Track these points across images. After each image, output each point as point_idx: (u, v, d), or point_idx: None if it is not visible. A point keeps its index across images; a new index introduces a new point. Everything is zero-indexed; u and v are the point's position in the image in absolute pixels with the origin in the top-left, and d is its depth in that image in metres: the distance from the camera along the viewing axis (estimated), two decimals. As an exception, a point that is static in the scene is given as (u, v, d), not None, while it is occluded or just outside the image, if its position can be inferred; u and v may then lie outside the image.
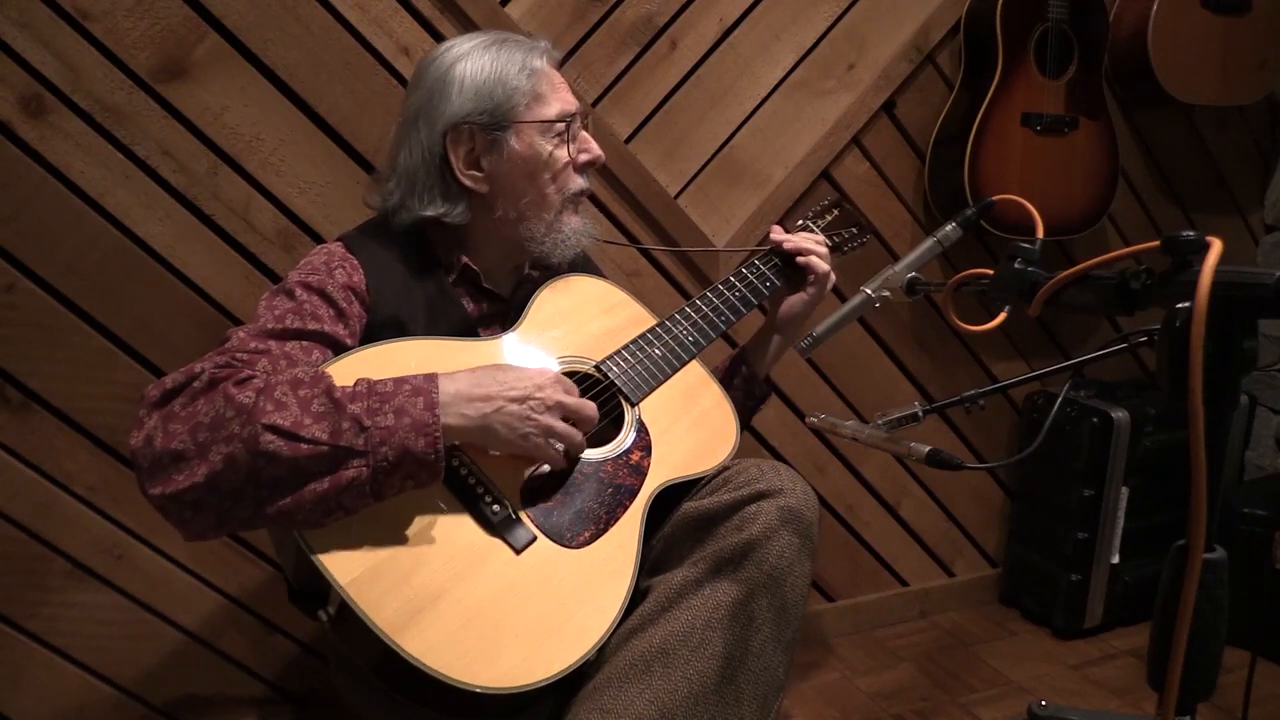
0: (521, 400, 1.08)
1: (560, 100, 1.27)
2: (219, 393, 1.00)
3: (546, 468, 1.16)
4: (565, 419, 1.12)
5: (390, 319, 1.21)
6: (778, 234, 1.46)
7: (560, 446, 1.12)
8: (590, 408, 1.14)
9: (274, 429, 0.96)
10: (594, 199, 1.78)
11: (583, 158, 1.31)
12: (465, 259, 1.29)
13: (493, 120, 1.22)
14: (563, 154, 1.27)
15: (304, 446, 0.97)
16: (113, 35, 1.47)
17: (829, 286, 1.45)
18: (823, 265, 1.42)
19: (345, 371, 1.08)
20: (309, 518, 0.98)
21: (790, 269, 1.44)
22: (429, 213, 1.24)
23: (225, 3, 1.51)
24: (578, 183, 1.30)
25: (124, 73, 1.48)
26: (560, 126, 1.26)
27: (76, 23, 1.45)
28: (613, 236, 1.81)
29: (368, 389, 1.02)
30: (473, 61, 1.22)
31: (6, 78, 1.43)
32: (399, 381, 1.03)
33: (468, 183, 1.24)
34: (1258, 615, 1.98)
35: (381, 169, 1.31)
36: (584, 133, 1.31)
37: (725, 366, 1.50)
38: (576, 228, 1.31)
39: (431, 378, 1.05)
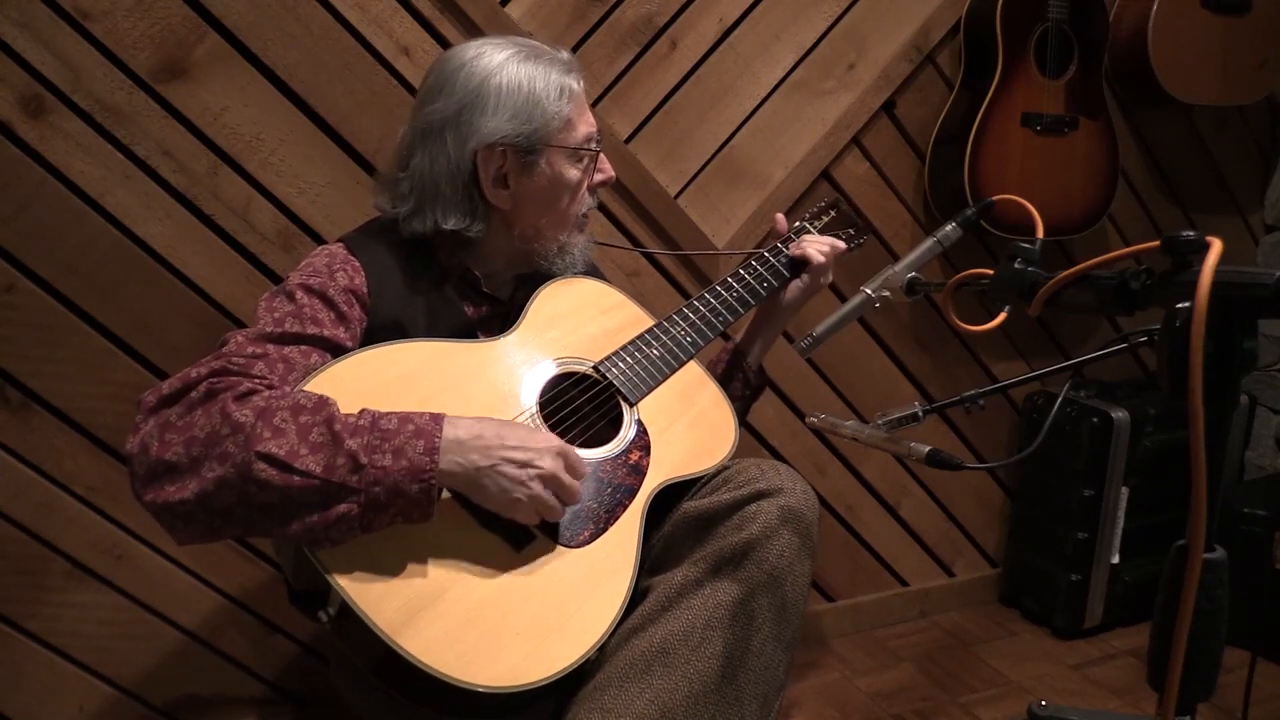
0: (522, 465, 1.05)
1: (586, 123, 1.27)
2: (217, 406, 0.99)
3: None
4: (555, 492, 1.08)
5: (391, 321, 1.21)
6: (781, 223, 1.49)
7: (537, 516, 1.09)
8: (579, 492, 1.10)
9: (268, 458, 0.96)
10: (594, 199, 1.78)
11: (597, 178, 1.32)
12: (468, 264, 1.29)
13: (527, 144, 1.22)
14: (583, 176, 1.28)
15: (296, 479, 0.96)
16: (113, 35, 1.47)
17: (825, 278, 1.45)
18: (820, 256, 1.43)
19: (345, 373, 1.08)
20: (296, 543, 0.99)
21: (790, 262, 1.45)
22: (448, 226, 1.23)
23: (225, 3, 1.51)
24: (589, 202, 1.33)
25: (124, 73, 1.48)
26: (586, 151, 1.27)
27: (76, 23, 1.45)
28: (613, 236, 1.81)
29: (370, 423, 1.00)
30: (508, 77, 1.20)
31: (6, 78, 1.43)
32: (404, 419, 1.02)
33: (493, 201, 1.24)
34: (1258, 615, 1.98)
35: (387, 170, 1.30)
36: (600, 153, 1.32)
37: (724, 360, 1.51)
38: (583, 245, 1.34)
39: (437, 419, 1.03)
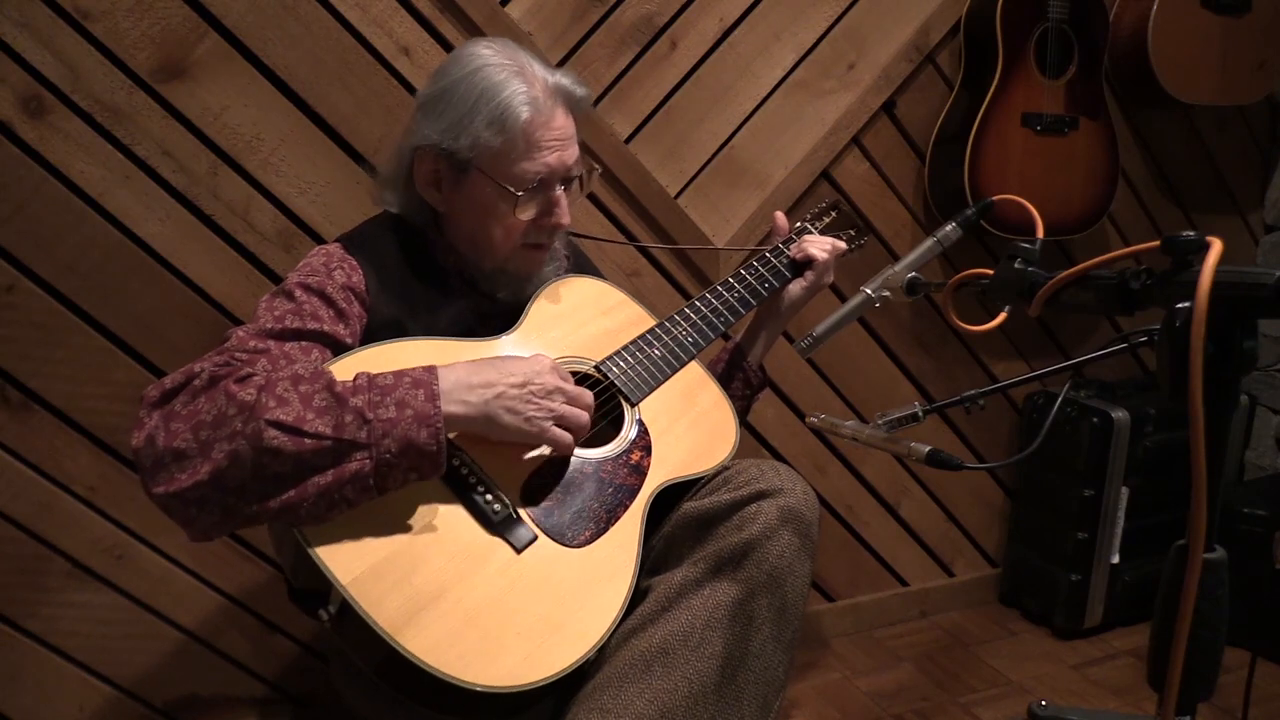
0: (522, 385, 1.08)
1: (534, 161, 1.19)
2: (220, 390, 1.00)
3: (546, 453, 1.15)
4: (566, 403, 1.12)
5: (390, 319, 1.21)
6: (781, 222, 1.49)
7: (565, 432, 1.11)
8: (587, 394, 1.14)
9: (277, 424, 0.96)
10: (594, 199, 1.78)
11: (542, 220, 1.25)
12: (464, 263, 1.29)
13: (454, 159, 1.20)
14: (512, 212, 1.22)
15: (308, 441, 0.97)
16: (113, 35, 1.47)
17: (827, 279, 1.45)
18: (822, 254, 1.43)
19: (346, 371, 1.08)
20: (312, 511, 0.98)
21: (792, 262, 1.45)
22: (394, 209, 1.28)
23: (225, 3, 1.51)
24: (530, 239, 1.26)
25: (124, 73, 1.48)
26: (519, 192, 1.20)
27: (76, 23, 1.45)
28: (612, 236, 1.80)
29: (368, 382, 1.02)
30: (466, 86, 1.18)
31: (6, 78, 1.43)
32: (399, 375, 1.04)
33: (426, 197, 1.25)
34: (1258, 615, 1.98)
35: (379, 167, 1.32)
36: (559, 194, 1.24)
37: (724, 359, 1.51)
38: (520, 286, 1.29)
39: (431, 369, 1.05)
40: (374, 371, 1.05)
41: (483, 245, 1.26)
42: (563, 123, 1.22)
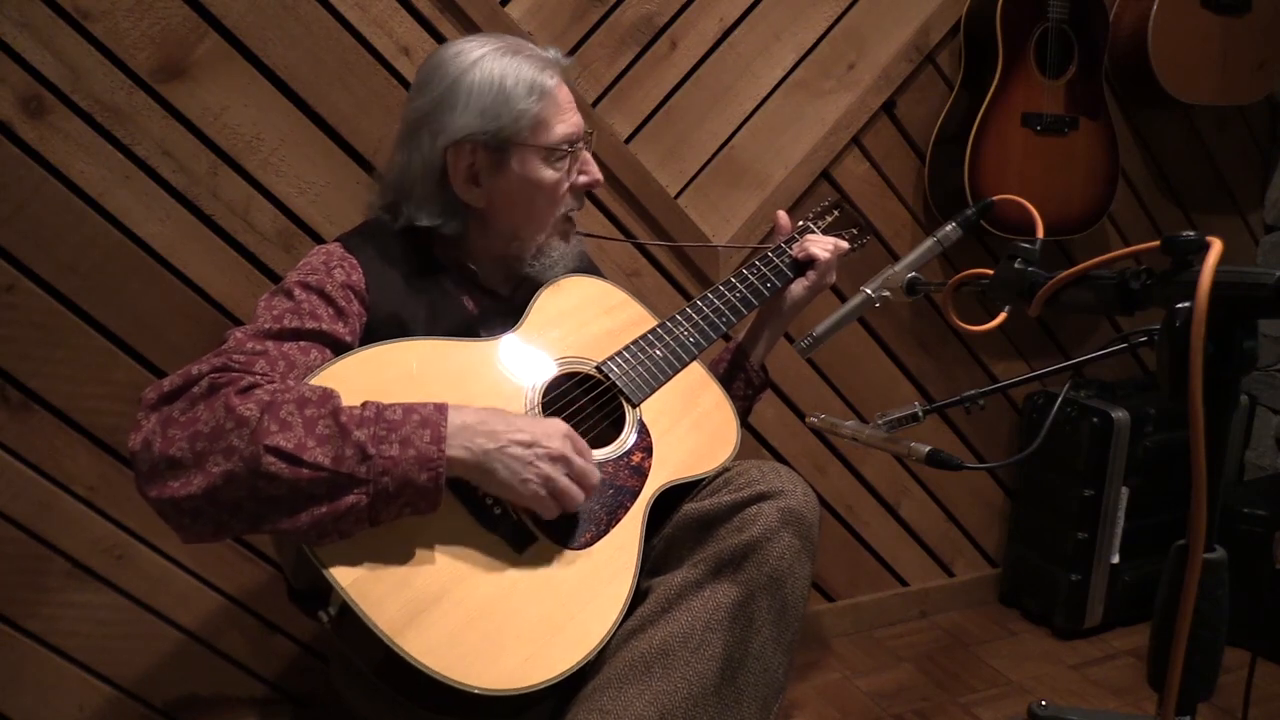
0: (528, 445, 1.05)
1: (565, 123, 1.25)
2: (220, 401, 0.99)
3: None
4: (568, 475, 1.08)
5: (390, 317, 1.21)
6: (784, 222, 1.49)
7: (554, 503, 1.08)
8: (593, 474, 1.10)
9: (276, 451, 0.96)
10: (594, 198, 1.78)
11: (581, 179, 1.30)
12: (463, 259, 1.29)
13: (495, 141, 1.21)
14: (560, 177, 1.26)
15: (305, 471, 0.96)
16: (113, 35, 1.47)
17: (829, 278, 1.46)
18: (825, 253, 1.43)
19: (346, 372, 1.08)
20: (304, 537, 0.98)
21: (794, 262, 1.45)
22: (423, 223, 1.25)
23: (225, 3, 1.51)
24: (571, 204, 1.31)
25: (124, 73, 1.48)
26: (562, 152, 1.25)
27: (76, 23, 1.45)
28: (610, 236, 1.80)
29: (375, 414, 1.00)
30: (481, 74, 1.20)
31: (6, 78, 1.43)
32: (408, 410, 1.02)
33: (465, 198, 1.24)
34: (1258, 615, 1.98)
35: (381, 169, 1.31)
36: (585, 154, 1.30)
37: (726, 359, 1.51)
38: (564, 252, 1.32)
39: (441, 409, 1.03)
40: (375, 374, 1.05)
41: (527, 227, 1.27)
42: (567, 88, 1.28)
